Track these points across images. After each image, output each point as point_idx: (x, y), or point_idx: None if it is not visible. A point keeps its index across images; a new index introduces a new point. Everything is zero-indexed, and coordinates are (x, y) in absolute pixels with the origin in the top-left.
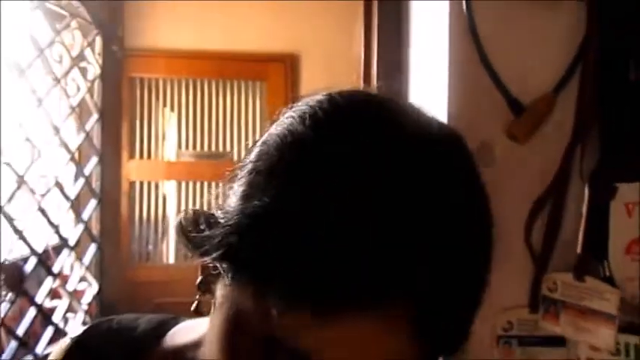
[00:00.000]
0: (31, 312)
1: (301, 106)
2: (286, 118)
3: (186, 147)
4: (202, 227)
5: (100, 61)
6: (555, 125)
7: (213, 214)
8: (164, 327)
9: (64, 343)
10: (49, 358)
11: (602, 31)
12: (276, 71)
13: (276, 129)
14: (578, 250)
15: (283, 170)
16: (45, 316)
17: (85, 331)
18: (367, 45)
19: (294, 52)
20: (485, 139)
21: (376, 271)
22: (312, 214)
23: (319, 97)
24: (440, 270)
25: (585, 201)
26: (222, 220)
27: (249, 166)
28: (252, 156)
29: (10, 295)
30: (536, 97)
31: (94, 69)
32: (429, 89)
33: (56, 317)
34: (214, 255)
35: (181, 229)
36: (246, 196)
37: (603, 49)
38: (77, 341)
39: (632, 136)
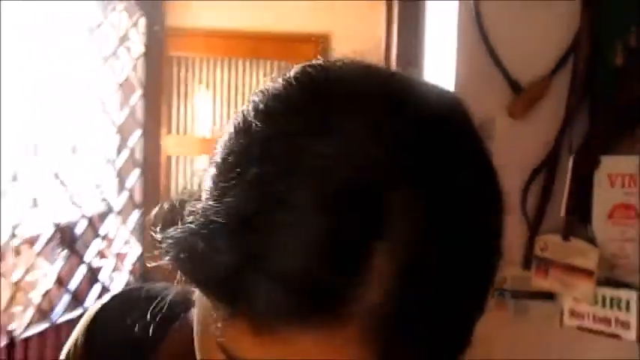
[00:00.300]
0: (82, 270)
1: (266, 87)
2: (248, 102)
3: (221, 124)
4: (164, 225)
5: (144, 40)
6: (550, 104)
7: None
8: (191, 300)
9: (93, 308)
10: (81, 321)
11: (593, 19)
12: (308, 51)
13: (236, 114)
14: (562, 213)
15: (230, 165)
16: (93, 274)
17: (113, 298)
18: (389, 27)
19: (326, 32)
20: (486, 116)
21: (320, 282)
22: (253, 217)
23: (291, 73)
24: (418, 277)
25: (569, 171)
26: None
27: (214, 157)
28: (218, 144)
29: (64, 252)
30: (535, 79)
31: (137, 48)
32: (439, 71)
33: (103, 276)
34: (167, 257)
35: (152, 224)
36: (206, 191)
37: (594, 35)
38: (104, 308)
39: (616, 114)
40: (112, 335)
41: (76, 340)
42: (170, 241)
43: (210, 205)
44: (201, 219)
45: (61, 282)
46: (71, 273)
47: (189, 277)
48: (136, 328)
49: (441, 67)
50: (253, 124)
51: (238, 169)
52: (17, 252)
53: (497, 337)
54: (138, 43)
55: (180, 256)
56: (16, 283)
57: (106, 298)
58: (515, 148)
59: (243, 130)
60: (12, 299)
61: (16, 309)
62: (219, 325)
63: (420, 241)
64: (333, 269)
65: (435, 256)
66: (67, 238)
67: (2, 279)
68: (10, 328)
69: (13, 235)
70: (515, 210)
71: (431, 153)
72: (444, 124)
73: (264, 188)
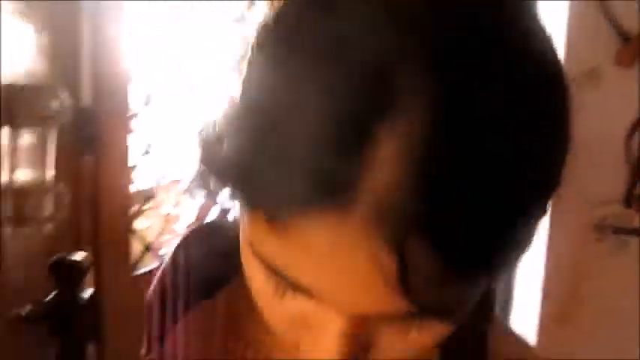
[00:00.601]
0: (215, 209)
1: None
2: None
3: None
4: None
5: (269, 5)
6: None
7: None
8: None
9: (186, 230)
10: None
11: None
12: None
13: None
14: None
15: (247, 68)
16: (224, 214)
17: (205, 225)
18: None
19: None
20: (594, 65)
21: (324, 167)
22: (256, 101)
23: None
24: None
25: None
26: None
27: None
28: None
29: (202, 193)
30: None
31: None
32: (550, 21)
33: (231, 215)
34: (198, 164)
35: (198, 139)
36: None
37: None
38: (195, 230)
39: None
40: (192, 260)
41: (168, 259)
42: (199, 146)
43: (226, 106)
44: (219, 115)
45: (199, 218)
46: (207, 211)
47: (209, 173)
48: (215, 258)
49: (552, 16)
50: (266, 16)
51: (250, 57)
52: (166, 190)
53: (598, 270)
54: (263, 7)
55: (202, 154)
56: (165, 216)
57: (198, 224)
58: (621, 96)
59: (260, 27)
60: (162, 229)
61: (165, 237)
62: (244, 221)
63: (434, 125)
64: (336, 153)
65: (451, 143)
66: (205, 181)
67: (155, 212)
68: (160, 253)
69: (163, 176)
70: (619, 151)
71: (458, 31)
72: (486, 6)
73: (268, 71)
